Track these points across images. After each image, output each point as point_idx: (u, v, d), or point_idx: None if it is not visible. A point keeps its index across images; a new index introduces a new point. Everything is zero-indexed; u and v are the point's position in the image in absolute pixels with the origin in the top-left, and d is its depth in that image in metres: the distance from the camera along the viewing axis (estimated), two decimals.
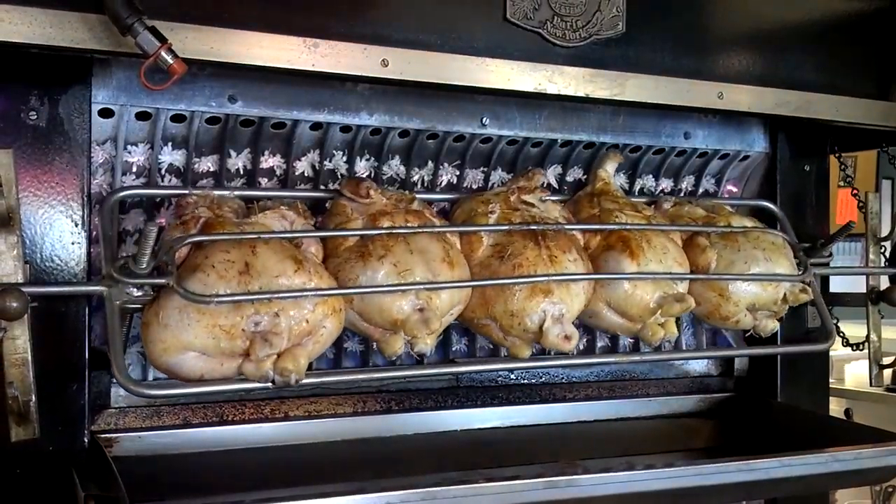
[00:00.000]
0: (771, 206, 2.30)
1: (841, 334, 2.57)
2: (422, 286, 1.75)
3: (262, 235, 1.66)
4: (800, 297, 2.11)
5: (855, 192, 2.58)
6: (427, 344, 1.76)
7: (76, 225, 1.69)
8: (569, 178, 2.23)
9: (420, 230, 1.81)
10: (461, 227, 1.91)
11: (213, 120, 1.85)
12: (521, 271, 1.83)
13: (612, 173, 2.12)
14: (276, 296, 1.60)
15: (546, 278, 1.84)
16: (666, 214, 2.17)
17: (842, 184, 2.81)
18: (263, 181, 1.94)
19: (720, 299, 2.07)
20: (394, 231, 1.78)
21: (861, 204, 2.46)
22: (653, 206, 2.19)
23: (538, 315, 1.83)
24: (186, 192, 1.75)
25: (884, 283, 2.41)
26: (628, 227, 1.99)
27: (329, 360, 2.09)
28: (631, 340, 2.35)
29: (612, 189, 2.10)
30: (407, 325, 1.74)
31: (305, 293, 1.63)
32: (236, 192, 1.81)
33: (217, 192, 1.76)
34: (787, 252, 2.13)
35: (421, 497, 1.61)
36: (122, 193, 1.74)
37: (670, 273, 1.98)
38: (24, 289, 1.51)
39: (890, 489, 2.92)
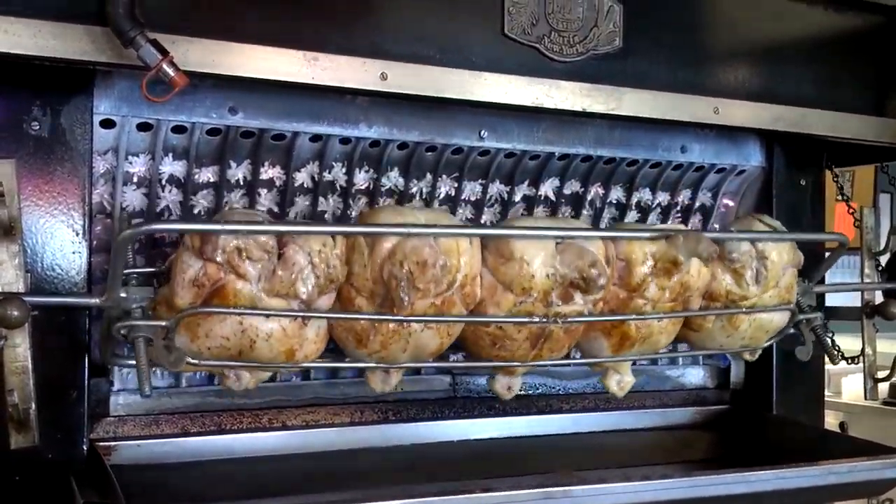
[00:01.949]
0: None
1: (836, 348, 2.58)
2: (397, 367, 1.85)
3: (269, 314, 1.67)
4: (744, 356, 2.25)
5: (851, 210, 2.60)
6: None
7: (77, 234, 1.71)
8: (566, 192, 2.25)
9: (433, 320, 1.79)
10: (474, 319, 1.85)
11: (213, 131, 1.87)
12: (501, 357, 1.91)
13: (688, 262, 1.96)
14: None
15: (519, 365, 1.94)
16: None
17: (839, 198, 2.82)
18: (263, 192, 1.96)
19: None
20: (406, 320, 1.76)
21: (856, 219, 2.47)
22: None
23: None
24: (217, 227, 1.64)
25: (879, 297, 2.43)
26: (638, 318, 1.98)
27: (327, 372, 2.11)
28: None
29: (680, 274, 1.96)
30: (371, 378, 1.88)
31: (288, 367, 1.75)
32: (274, 228, 1.67)
33: (249, 228, 1.62)
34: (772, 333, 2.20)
35: None
36: (142, 228, 1.61)
37: (630, 356, 2.06)
38: (26, 298, 1.52)
39: (887, 502, 2.93)
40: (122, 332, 1.58)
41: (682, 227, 2.10)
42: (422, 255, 1.70)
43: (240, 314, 1.65)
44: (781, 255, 2.11)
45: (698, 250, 1.89)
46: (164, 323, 1.61)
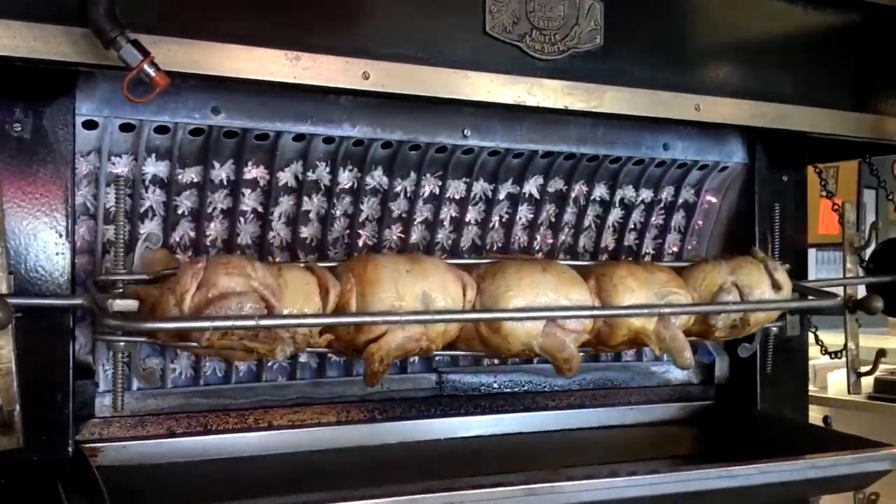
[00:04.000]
0: None
1: (820, 343, 2.61)
2: None
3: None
4: None
5: (835, 206, 2.62)
6: None
7: (60, 236, 1.71)
8: (550, 189, 2.26)
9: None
10: (446, 353, 2.01)
11: (196, 131, 1.87)
12: None
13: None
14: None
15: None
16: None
17: (823, 194, 2.84)
18: (246, 192, 1.96)
19: None
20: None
21: (840, 214, 2.49)
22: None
23: None
24: (207, 324, 1.60)
25: (861, 291, 2.44)
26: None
27: (312, 369, 2.11)
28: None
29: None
30: None
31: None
32: (263, 322, 1.62)
33: (239, 324, 1.61)
34: None
35: None
36: (137, 325, 1.61)
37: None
38: (9, 300, 1.52)
39: (873, 496, 2.94)
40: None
41: (681, 294, 2.04)
42: (406, 349, 1.78)
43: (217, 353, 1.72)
44: (769, 315, 2.16)
45: (677, 361, 1.99)
46: (142, 339, 1.67)
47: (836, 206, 2.55)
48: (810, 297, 2.22)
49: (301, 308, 1.70)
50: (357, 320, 1.76)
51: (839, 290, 2.42)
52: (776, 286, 2.11)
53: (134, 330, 1.63)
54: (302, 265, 1.81)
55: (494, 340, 1.88)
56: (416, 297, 1.77)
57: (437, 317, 1.78)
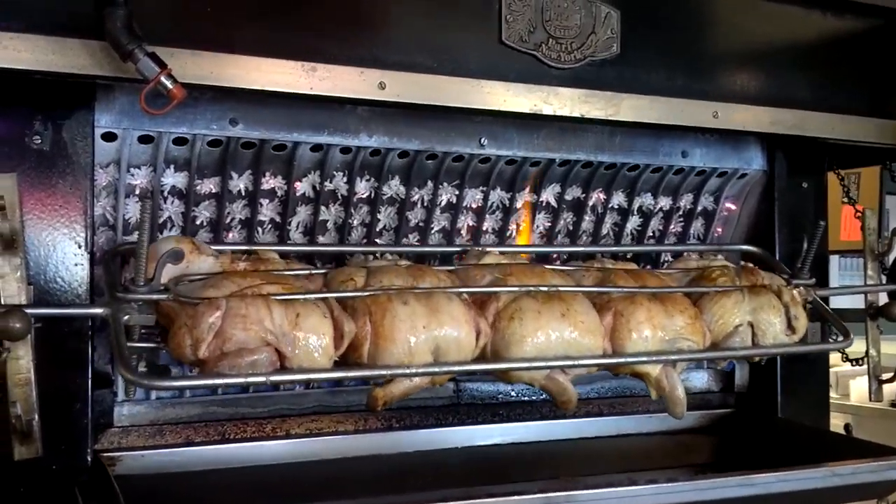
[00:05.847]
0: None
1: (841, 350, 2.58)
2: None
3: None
4: None
5: (857, 212, 2.59)
6: None
7: (79, 247, 1.72)
8: (567, 197, 2.25)
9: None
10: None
11: (214, 142, 1.88)
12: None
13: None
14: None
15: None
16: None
17: (845, 200, 2.82)
18: (264, 202, 1.97)
19: None
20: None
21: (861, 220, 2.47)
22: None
23: None
24: (219, 381, 1.60)
25: (883, 298, 2.42)
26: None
27: (330, 380, 2.11)
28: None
29: None
30: None
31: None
32: (273, 378, 1.61)
33: (246, 380, 1.61)
34: None
35: None
36: (153, 382, 1.59)
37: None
38: (28, 310, 1.53)
39: None
40: None
41: (693, 341, 1.95)
42: (410, 394, 1.79)
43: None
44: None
45: (670, 411, 1.97)
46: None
47: (858, 213, 2.52)
48: (825, 339, 2.23)
49: (314, 358, 1.65)
50: (364, 374, 1.75)
51: (860, 298, 2.40)
52: (792, 329, 2.08)
53: (148, 387, 1.67)
54: (320, 303, 1.70)
55: (498, 374, 1.90)
56: (429, 350, 1.74)
57: (444, 368, 1.76)
